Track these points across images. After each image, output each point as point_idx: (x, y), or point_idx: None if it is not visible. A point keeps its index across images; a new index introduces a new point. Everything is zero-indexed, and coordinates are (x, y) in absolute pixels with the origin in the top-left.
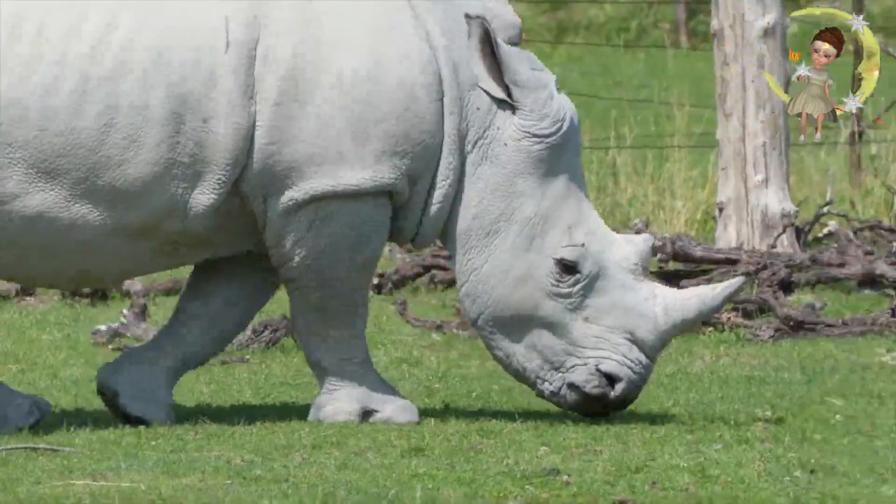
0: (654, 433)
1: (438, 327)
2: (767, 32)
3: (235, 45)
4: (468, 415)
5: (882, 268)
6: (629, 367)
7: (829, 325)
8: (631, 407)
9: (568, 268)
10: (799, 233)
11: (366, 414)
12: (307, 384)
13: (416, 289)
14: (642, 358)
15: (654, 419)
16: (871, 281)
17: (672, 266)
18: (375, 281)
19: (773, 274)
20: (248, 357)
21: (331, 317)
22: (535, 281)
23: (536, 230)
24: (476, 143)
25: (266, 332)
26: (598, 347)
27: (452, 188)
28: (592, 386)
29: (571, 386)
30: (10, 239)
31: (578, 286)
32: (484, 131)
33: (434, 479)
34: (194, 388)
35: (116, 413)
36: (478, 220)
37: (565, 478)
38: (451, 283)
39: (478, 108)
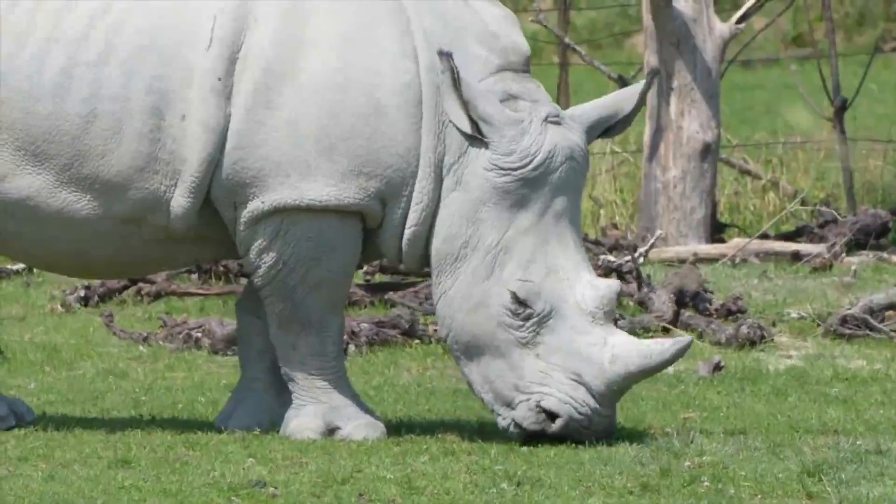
0: (360, 445)
1: (144, 339)
2: None
3: (218, 43)
4: (174, 426)
5: None
6: (572, 406)
7: None
8: None
9: (519, 303)
10: None
11: (330, 431)
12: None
13: (122, 301)
14: (589, 400)
15: None
16: None
17: (378, 278)
18: (82, 294)
19: None
20: None
21: (297, 331)
22: (489, 310)
23: (497, 260)
24: (451, 167)
25: None
26: (543, 383)
27: (428, 212)
28: (530, 422)
29: (515, 424)
30: (5, 215)
31: (529, 322)
32: (459, 157)
33: (140, 490)
34: None
35: None
36: (447, 245)
37: (272, 490)
38: (157, 296)
39: (456, 134)
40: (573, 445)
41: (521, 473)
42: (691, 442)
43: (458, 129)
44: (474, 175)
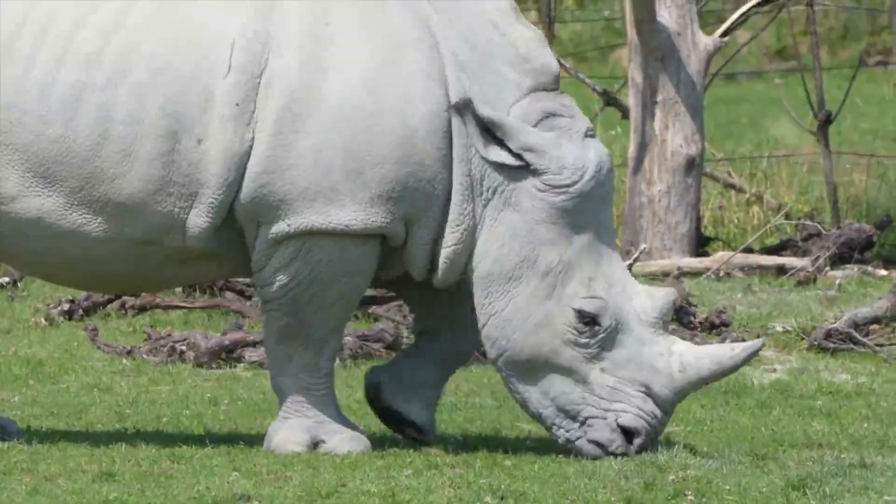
0: (344, 458)
1: (129, 353)
2: None
3: (237, 70)
4: (159, 440)
5: None
6: (645, 420)
7: None
8: None
9: (587, 319)
10: None
11: (315, 444)
12: None
13: (106, 315)
14: (656, 411)
15: None
16: None
17: None
18: (66, 307)
19: None
20: None
21: (295, 346)
22: (553, 329)
23: (558, 279)
24: (497, 189)
25: None
26: (615, 399)
27: (467, 233)
28: (616, 446)
29: (593, 442)
30: (17, 234)
31: (597, 338)
32: (506, 178)
33: None
34: None
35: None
36: (498, 265)
37: (256, 503)
38: (141, 310)
39: None
40: (557, 459)
41: (505, 487)
42: (675, 456)
43: (503, 164)
44: (528, 196)
